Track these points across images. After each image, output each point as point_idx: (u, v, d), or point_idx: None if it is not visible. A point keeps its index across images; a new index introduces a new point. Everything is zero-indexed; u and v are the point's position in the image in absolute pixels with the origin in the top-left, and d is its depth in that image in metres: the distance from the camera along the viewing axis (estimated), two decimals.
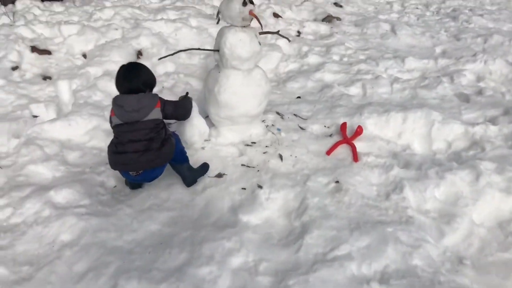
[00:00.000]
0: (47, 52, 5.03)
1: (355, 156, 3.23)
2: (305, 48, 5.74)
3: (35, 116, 3.95)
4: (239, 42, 3.11)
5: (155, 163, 2.70)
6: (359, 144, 3.43)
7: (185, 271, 2.20)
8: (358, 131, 3.49)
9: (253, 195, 2.85)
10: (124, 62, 4.72)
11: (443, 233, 2.52)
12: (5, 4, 6.62)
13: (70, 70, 4.75)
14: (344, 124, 3.62)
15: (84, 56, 5.12)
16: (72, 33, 5.26)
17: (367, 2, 9.69)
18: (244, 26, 3.16)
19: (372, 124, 3.67)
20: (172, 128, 3.37)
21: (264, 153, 3.30)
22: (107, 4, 6.64)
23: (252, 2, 3.07)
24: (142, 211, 2.77)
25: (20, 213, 2.64)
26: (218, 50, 3.20)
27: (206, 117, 3.50)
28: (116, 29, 5.40)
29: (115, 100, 2.71)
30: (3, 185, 2.96)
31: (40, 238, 2.46)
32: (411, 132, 3.60)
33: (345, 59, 5.55)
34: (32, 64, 4.76)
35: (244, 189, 2.94)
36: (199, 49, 3.38)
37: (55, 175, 3.13)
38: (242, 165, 3.17)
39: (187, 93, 3.30)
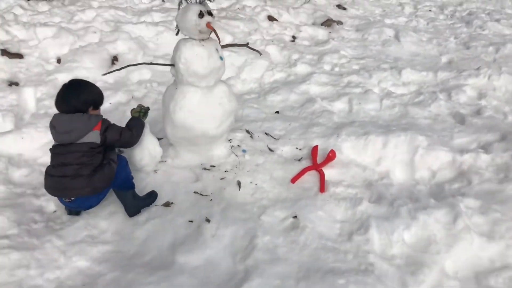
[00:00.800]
0: (18, 55, 4.88)
1: (322, 186, 2.96)
2: (295, 56, 5.46)
3: None
4: (195, 57, 2.87)
5: (85, 191, 2.50)
6: (331, 171, 3.15)
7: None
8: (330, 156, 3.21)
9: (199, 230, 2.61)
10: (96, 68, 4.58)
11: (405, 286, 2.24)
12: None
13: (39, 76, 4.59)
14: (315, 148, 3.35)
15: (59, 61, 4.95)
16: (47, 35, 5.10)
17: (375, 4, 9.31)
18: (203, 40, 2.91)
19: (348, 148, 3.39)
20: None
21: (221, 179, 3.05)
22: (94, 4, 6.47)
23: (210, 14, 2.82)
24: (74, 243, 2.55)
25: None
26: (173, 65, 2.96)
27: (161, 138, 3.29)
28: (95, 32, 5.23)
29: (51, 120, 2.56)
30: None
31: None
32: (392, 158, 3.31)
33: (337, 69, 5.25)
34: (1, 69, 4.61)
35: (191, 222, 2.70)
36: (151, 63, 3.16)
37: None
38: (195, 192, 2.94)
39: (147, 108, 3.07)
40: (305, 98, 4.41)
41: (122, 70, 3.74)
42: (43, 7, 6.48)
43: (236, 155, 3.27)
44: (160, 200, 2.88)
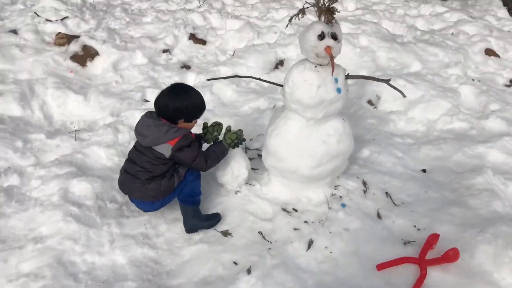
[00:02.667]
0: (202, 42, 5.44)
1: None
2: (494, 106, 4.35)
3: (146, 101, 4.35)
4: (303, 83, 2.56)
5: (136, 195, 2.57)
6: (441, 275, 2.38)
7: None
8: (449, 255, 2.42)
9: (235, 277, 2.36)
10: (257, 68, 4.68)
11: None
12: None
13: (207, 64, 5.01)
14: (434, 236, 2.57)
15: (234, 54, 5.29)
16: (234, 28, 5.51)
17: None
18: (320, 65, 2.57)
19: (487, 254, 2.48)
20: None
21: (295, 229, 2.68)
22: (298, 3, 6.65)
23: (334, 37, 2.45)
24: (126, 236, 2.68)
25: None
26: (282, 86, 2.72)
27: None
28: (275, 33, 5.36)
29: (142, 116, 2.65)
30: None
31: None
32: None
33: None
34: (182, 51, 5.24)
35: (236, 264, 2.47)
36: (259, 79, 2.95)
37: (107, 164, 3.36)
38: (259, 232, 2.67)
39: (243, 139, 2.88)
40: (472, 164, 3.46)
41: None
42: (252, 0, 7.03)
43: (330, 207, 2.82)
44: (223, 225, 2.74)
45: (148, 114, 2.57)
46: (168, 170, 2.55)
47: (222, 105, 4.22)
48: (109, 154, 3.46)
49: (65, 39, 5.09)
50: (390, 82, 2.80)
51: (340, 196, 2.94)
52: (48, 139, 3.63)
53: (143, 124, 2.52)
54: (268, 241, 2.61)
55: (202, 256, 2.56)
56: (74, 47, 4.95)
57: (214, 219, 2.72)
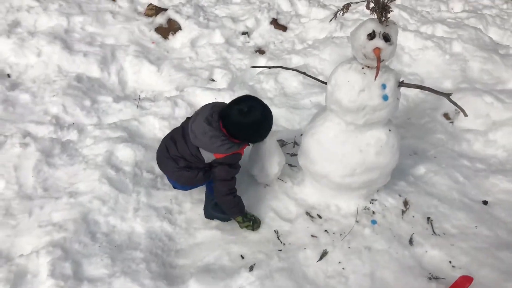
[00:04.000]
0: (283, 28, 5.35)
1: None
2: None
3: (212, 80, 4.43)
4: (345, 84, 2.39)
5: (170, 176, 2.63)
6: None
7: None
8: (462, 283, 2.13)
9: (236, 271, 2.34)
10: (330, 62, 4.51)
11: None
12: None
13: (281, 52, 4.93)
14: (466, 279, 2.27)
15: (311, 44, 5.13)
16: (318, 17, 5.33)
17: None
18: (368, 67, 2.37)
19: None
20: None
21: (313, 236, 2.55)
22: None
23: (387, 39, 2.23)
24: (149, 207, 2.78)
25: None
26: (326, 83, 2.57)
27: None
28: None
29: (202, 106, 2.57)
30: None
31: None
32: None
33: None
34: (261, 35, 5.22)
35: (242, 258, 2.44)
36: (304, 73, 2.80)
37: (158, 135, 3.50)
38: (275, 231, 2.59)
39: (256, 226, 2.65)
40: None
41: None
42: None
43: (357, 221, 2.63)
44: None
45: (210, 118, 2.39)
46: (206, 166, 2.52)
47: (283, 95, 4.13)
48: (162, 126, 3.59)
49: (153, 10, 5.35)
50: (449, 96, 2.49)
51: (373, 212, 2.72)
52: (113, 103, 3.88)
53: (199, 127, 2.39)
54: (281, 242, 2.53)
55: (213, 243, 2.56)
56: (160, 19, 5.18)
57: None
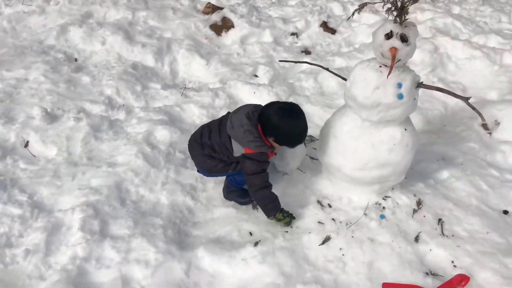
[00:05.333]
0: (331, 31, 5.46)
1: None
2: None
3: (255, 76, 4.66)
4: (361, 81, 2.50)
5: (194, 160, 2.82)
6: None
7: None
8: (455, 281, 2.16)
9: (241, 245, 2.52)
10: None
11: None
12: None
13: (326, 53, 5.04)
14: (462, 278, 2.29)
15: (357, 48, 5.20)
16: (368, 22, 5.38)
17: None
18: (385, 65, 2.46)
19: None
20: None
21: (319, 222, 2.68)
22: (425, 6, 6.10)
23: (404, 39, 2.32)
24: (176, 183, 3.04)
25: None
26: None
27: None
28: None
29: (249, 104, 2.77)
30: None
31: None
32: None
33: None
34: (309, 36, 5.37)
35: (251, 235, 2.63)
36: (327, 69, 2.91)
37: (196, 121, 3.79)
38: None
39: (288, 222, 2.67)
40: None
41: None
42: None
43: (365, 214, 2.72)
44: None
45: (251, 114, 2.55)
46: (229, 159, 2.68)
47: (320, 94, 4.25)
48: (200, 114, 3.87)
49: (210, 8, 5.69)
50: (469, 101, 2.51)
51: (384, 207, 2.79)
52: (161, 90, 4.24)
53: (238, 119, 2.54)
54: (289, 226, 2.67)
55: (227, 219, 2.77)
56: (216, 17, 5.51)
57: (247, 198, 2.84)
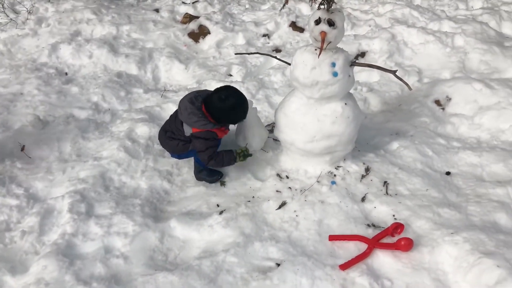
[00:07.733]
0: (300, 29, 5.80)
1: (349, 263, 2.40)
2: None
3: (230, 75, 4.99)
4: (300, 63, 2.82)
5: (161, 144, 3.24)
6: (385, 259, 2.46)
7: None
8: (399, 244, 2.46)
9: (208, 213, 2.85)
10: None
11: None
12: None
13: (295, 50, 5.35)
14: (397, 225, 2.59)
15: None
16: None
17: None
18: (320, 48, 2.79)
19: (451, 256, 2.43)
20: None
21: (277, 191, 2.99)
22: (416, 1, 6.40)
23: (331, 23, 2.65)
24: (155, 170, 3.36)
25: None
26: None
27: None
28: (369, 26, 5.39)
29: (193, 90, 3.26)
30: None
31: None
32: None
33: None
34: (280, 36, 5.72)
35: (218, 206, 2.95)
36: (275, 57, 3.24)
37: None
38: (250, 188, 3.07)
39: (249, 155, 3.16)
40: (509, 178, 3.15)
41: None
42: None
43: (318, 181, 3.03)
44: (225, 177, 3.21)
45: (193, 99, 2.93)
46: (186, 139, 3.06)
47: (287, 86, 4.55)
48: None
49: (188, 18, 6.06)
50: (395, 73, 2.83)
51: (335, 175, 3.09)
52: (143, 93, 4.58)
53: (183, 106, 2.94)
54: (251, 196, 2.99)
55: (198, 196, 3.09)
56: (193, 25, 5.87)
57: (215, 176, 3.18)
